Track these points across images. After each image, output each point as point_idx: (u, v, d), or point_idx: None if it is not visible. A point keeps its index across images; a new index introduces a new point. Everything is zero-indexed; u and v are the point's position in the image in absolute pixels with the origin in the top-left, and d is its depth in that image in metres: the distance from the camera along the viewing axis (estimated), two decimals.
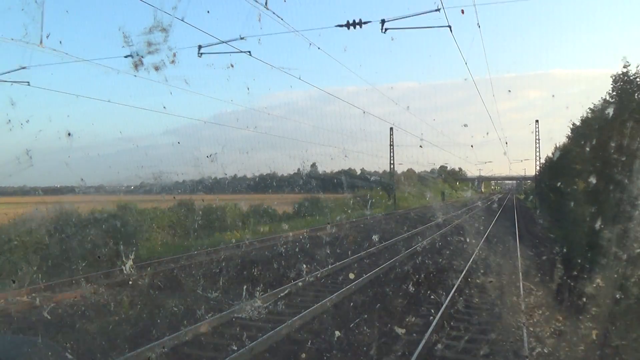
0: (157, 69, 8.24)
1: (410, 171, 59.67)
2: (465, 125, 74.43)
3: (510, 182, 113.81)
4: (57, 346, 4.08)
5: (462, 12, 13.64)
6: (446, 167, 74.35)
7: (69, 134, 8.86)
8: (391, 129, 49.17)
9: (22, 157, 8.21)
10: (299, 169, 39.63)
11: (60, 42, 10.12)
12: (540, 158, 47.31)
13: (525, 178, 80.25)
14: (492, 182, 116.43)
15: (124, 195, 21.26)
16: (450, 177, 77.21)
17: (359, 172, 53.20)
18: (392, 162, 49.58)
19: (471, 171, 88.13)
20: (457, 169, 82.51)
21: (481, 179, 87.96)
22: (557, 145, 31.68)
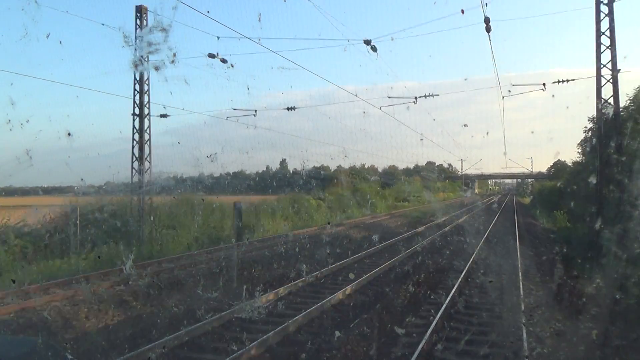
0: (157, 69, 8.21)
1: (382, 168, 51.15)
2: (465, 125, 73.68)
3: (510, 181, 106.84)
4: (57, 346, 4.08)
5: (462, 12, 13.63)
6: (434, 163, 64.72)
7: (69, 134, 8.81)
8: None
9: (22, 157, 8.18)
10: (267, 167, 37.09)
11: (60, 42, 10.09)
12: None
13: (527, 176, 70.98)
14: (490, 181, 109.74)
15: (124, 195, 21.16)
16: (435, 175, 67.05)
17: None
18: (138, 116, 18.02)
19: (460, 168, 74.42)
20: (446, 166, 71.04)
21: (473, 178, 76.44)
22: None
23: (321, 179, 38.48)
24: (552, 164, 62.20)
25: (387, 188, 47.16)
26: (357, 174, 44.88)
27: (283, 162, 39.27)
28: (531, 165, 66.24)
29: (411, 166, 60.40)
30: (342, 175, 41.54)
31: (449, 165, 71.62)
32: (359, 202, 35.63)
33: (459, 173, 73.33)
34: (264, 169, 38.91)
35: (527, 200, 65.75)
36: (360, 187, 39.51)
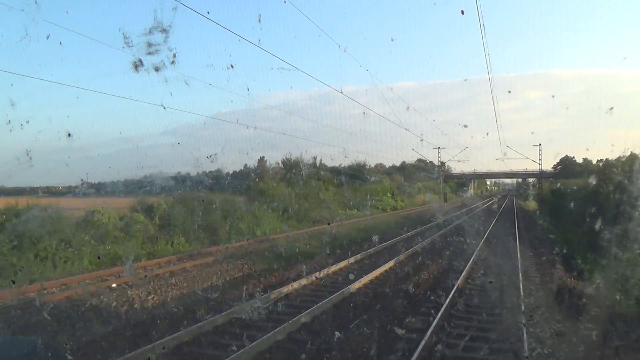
0: (157, 69, 8.22)
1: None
2: (465, 126, 73.24)
3: (509, 181, 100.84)
4: (57, 346, 4.09)
5: (462, 12, 13.64)
6: (424, 160, 55.29)
7: (69, 135, 8.83)
8: None
9: (22, 158, 8.19)
10: (245, 165, 32.37)
11: (61, 42, 10.11)
12: None
13: (530, 175, 60.45)
14: (489, 182, 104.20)
15: (125, 196, 21.22)
16: (435, 175, 56.95)
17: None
18: None
19: (457, 167, 63.11)
20: (437, 163, 59.32)
21: (468, 177, 66.26)
22: None
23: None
24: (558, 161, 54.04)
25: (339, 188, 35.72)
26: (299, 167, 32.31)
27: (262, 160, 34.85)
28: (540, 156, 52.18)
29: (397, 163, 53.02)
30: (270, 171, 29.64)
31: (441, 163, 62.14)
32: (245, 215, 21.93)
33: (452, 171, 63.84)
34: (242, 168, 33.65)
35: (531, 205, 51.85)
36: (269, 189, 27.33)
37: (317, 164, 35.61)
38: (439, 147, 44.17)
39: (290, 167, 32.68)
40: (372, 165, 49.72)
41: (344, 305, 9.37)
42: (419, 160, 55.20)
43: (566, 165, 51.27)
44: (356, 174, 39.57)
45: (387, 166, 52.20)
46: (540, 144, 49.97)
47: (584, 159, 47.07)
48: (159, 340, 6.93)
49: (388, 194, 40.03)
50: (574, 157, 51.43)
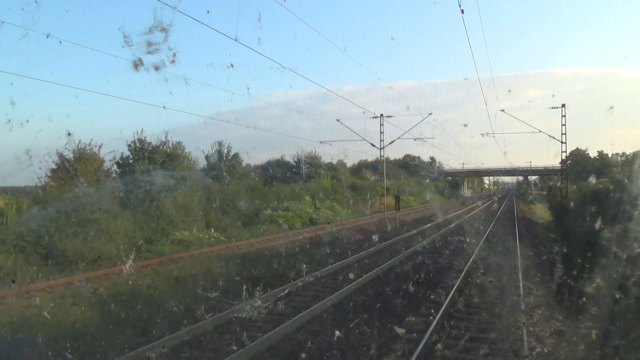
0: (157, 68, 8.17)
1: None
2: (465, 125, 73.35)
3: (509, 179, 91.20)
4: (57, 346, 4.09)
5: (462, 11, 13.59)
6: (411, 156, 49.02)
7: (69, 134, 8.82)
8: None
9: (22, 157, 8.18)
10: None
11: (60, 42, 10.09)
12: None
13: (533, 172, 53.33)
14: (487, 180, 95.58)
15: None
16: (435, 175, 49.58)
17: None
18: None
19: (449, 164, 57.90)
20: (427, 160, 52.49)
21: (462, 174, 57.71)
22: None
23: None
24: (568, 154, 50.20)
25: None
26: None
27: (236, 156, 32.45)
28: (563, 125, 27.49)
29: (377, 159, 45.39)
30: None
31: (432, 159, 56.27)
32: None
33: (444, 168, 57.30)
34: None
35: (537, 209, 41.75)
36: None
37: (225, 153, 28.82)
38: (381, 115, 28.36)
39: (136, 156, 21.03)
40: (356, 162, 44.16)
41: None
42: (406, 156, 49.28)
43: (578, 160, 44.95)
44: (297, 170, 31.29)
45: (369, 161, 45.78)
46: (563, 105, 27.23)
47: (600, 152, 43.61)
48: None
49: (308, 197, 28.75)
50: (586, 150, 46.73)
